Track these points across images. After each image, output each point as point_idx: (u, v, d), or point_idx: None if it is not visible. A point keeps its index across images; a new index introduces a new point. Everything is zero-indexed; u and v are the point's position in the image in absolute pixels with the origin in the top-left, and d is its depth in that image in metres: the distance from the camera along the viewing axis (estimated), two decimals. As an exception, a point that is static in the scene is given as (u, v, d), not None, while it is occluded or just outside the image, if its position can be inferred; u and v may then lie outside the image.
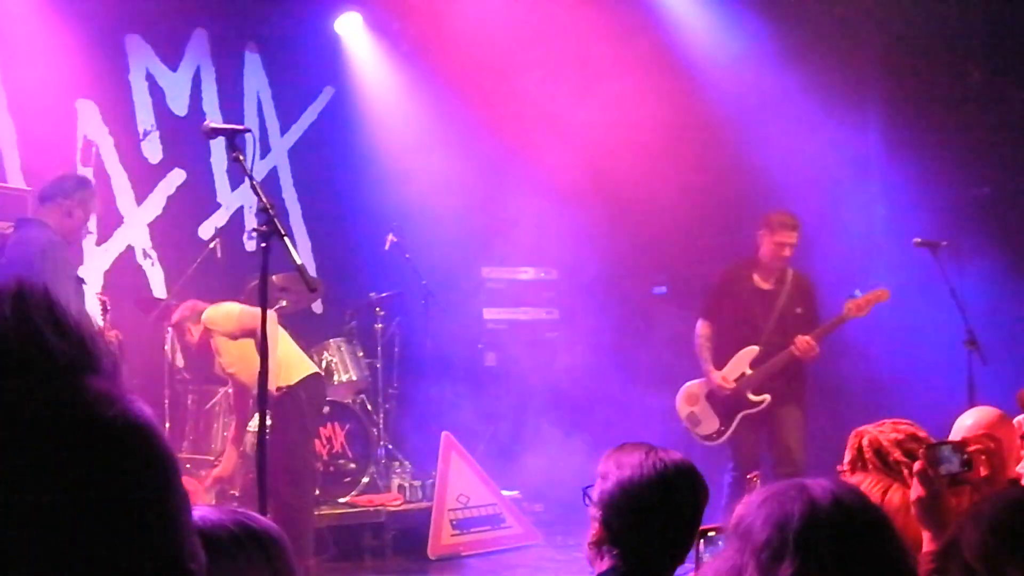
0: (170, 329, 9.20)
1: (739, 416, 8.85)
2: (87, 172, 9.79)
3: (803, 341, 8.66)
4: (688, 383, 9.17)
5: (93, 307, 7.87)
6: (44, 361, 0.98)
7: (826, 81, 10.79)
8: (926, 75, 10.91)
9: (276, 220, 4.79)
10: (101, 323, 7.81)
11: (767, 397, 8.80)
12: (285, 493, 7.27)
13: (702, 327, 9.09)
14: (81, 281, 6.95)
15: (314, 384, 8.01)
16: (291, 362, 7.82)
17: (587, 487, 3.22)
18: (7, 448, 0.94)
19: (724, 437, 8.91)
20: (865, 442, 3.68)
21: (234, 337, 7.58)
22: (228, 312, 7.76)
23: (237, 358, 7.64)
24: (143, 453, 1.02)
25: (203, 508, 2.01)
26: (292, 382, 7.69)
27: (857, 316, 8.71)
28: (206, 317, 7.71)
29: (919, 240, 8.74)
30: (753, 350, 8.91)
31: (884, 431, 3.68)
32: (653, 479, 3.07)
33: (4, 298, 1.00)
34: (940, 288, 8.51)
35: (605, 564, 3.11)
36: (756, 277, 9.08)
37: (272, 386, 7.32)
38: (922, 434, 3.62)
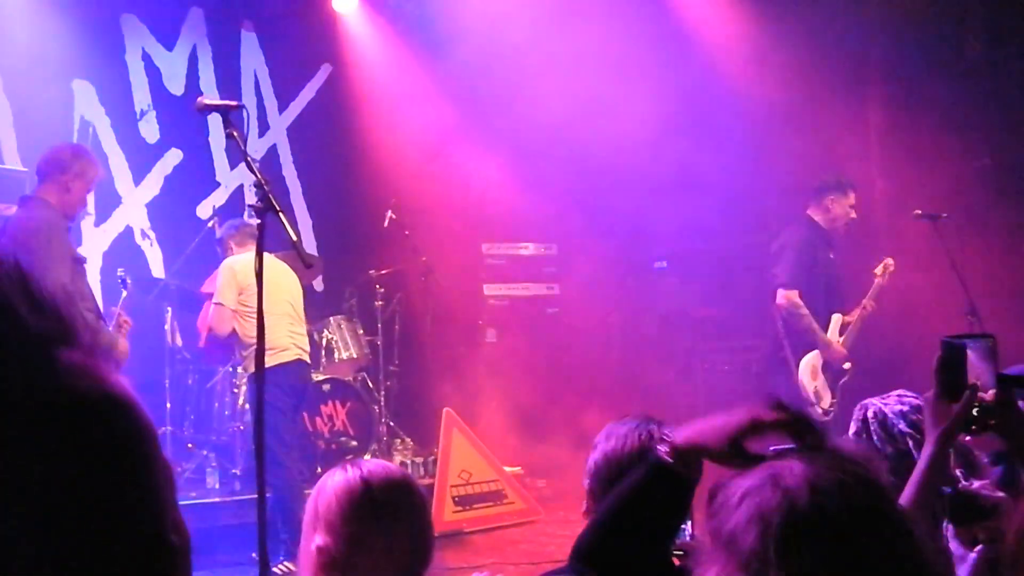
0: (169, 309, 9.20)
1: (839, 386, 8.68)
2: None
3: (871, 304, 8.69)
4: (806, 356, 8.60)
5: (94, 286, 7.87)
6: (16, 334, 0.97)
7: (825, 54, 10.76)
8: (925, 46, 10.86)
9: (271, 196, 4.77)
10: (118, 306, 7.86)
11: (851, 364, 8.65)
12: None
13: (793, 296, 8.54)
14: (81, 260, 6.89)
15: (289, 371, 7.98)
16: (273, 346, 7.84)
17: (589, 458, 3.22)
18: None
19: (834, 410, 8.60)
20: (870, 414, 3.67)
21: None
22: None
23: None
24: (119, 425, 1.00)
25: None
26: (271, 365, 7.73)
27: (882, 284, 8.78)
28: None
29: (919, 212, 8.71)
30: (839, 317, 8.74)
31: (889, 403, 3.66)
32: (635, 450, 3.04)
33: None
34: (941, 260, 8.49)
35: None
36: (827, 242, 8.86)
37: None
38: None
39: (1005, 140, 10.48)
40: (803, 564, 1.60)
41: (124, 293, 8.36)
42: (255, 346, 5.07)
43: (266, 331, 7.74)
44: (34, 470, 0.93)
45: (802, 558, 1.61)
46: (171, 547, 1.02)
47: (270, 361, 7.74)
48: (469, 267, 11.86)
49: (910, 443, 3.49)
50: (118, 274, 8.65)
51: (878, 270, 8.84)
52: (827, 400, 8.65)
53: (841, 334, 8.75)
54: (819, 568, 1.59)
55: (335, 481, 2.75)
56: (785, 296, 8.57)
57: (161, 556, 1.01)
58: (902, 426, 3.56)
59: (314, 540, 2.72)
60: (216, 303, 7.91)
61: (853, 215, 8.89)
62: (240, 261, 7.88)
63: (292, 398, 8.00)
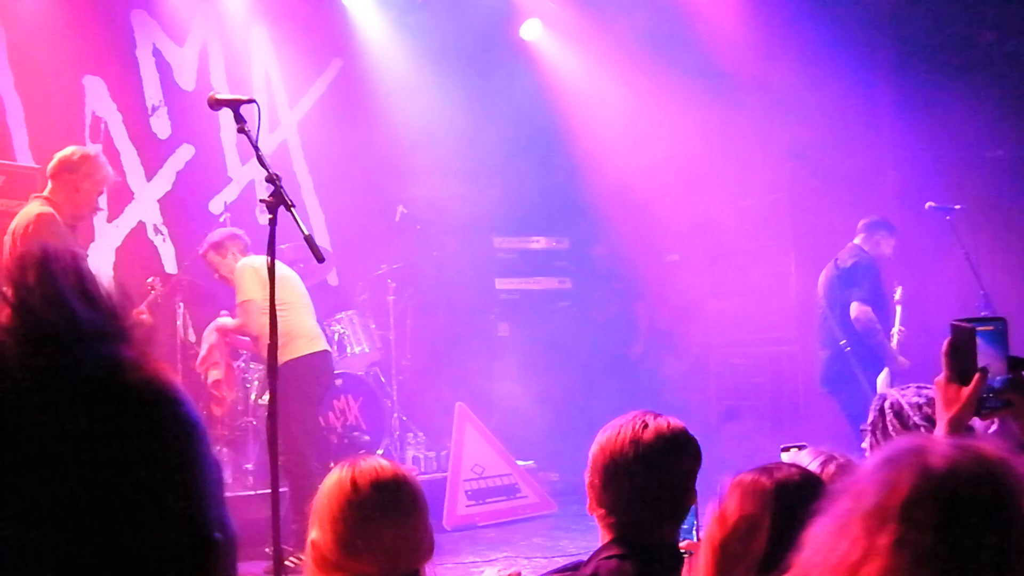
0: (181, 304, 9.21)
1: None
2: (96, 149, 9.78)
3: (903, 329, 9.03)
4: (882, 374, 8.88)
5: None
6: (70, 329, 0.98)
7: (835, 45, 10.72)
8: (937, 38, 10.83)
9: (282, 191, 4.77)
10: (143, 306, 7.96)
11: None
12: (285, 461, 7.40)
13: (870, 312, 8.94)
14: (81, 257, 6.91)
15: (319, 361, 8.05)
16: (294, 337, 7.88)
17: None
18: (32, 415, 0.93)
19: None
20: (887, 404, 3.68)
21: None
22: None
23: None
24: (168, 421, 1.02)
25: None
26: (292, 357, 7.75)
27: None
28: None
29: (932, 204, 8.72)
30: (895, 333, 9.06)
31: (906, 395, 3.67)
32: (627, 443, 3.06)
33: (28, 266, 0.99)
34: (954, 251, 8.47)
35: (606, 533, 3.11)
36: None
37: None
38: None
39: (1019, 131, 10.45)
40: (919, 532, 1.64)
41: (153, 293, 8.48)
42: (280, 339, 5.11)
43: (298, 320, 7.91)
44: (83, 463, 0.94)
45: (920, 526, 1.65)
46: (215, 543, 1.03)
47: (305, 349, 7.89)
48: (480, 261, 11.86)
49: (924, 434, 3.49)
50: (148, 282, 8.68)
51: (896, 295, 9.10)
52: None
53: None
54: (933, 541, 1.62)
55: (331, 479, 2.84)
56: (863, 310, 8.94)
57: (205, 552, 1.02)
58: (917, 418, 3.57)
59: (311, 534, 2.82)
60: (244, 301, 7.94)
61: (890, 253, 9.29)
62: (258, 260, 7.93)
63: (320, 388, 8.13)
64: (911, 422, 3.57)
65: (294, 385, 7.33)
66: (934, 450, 1.74)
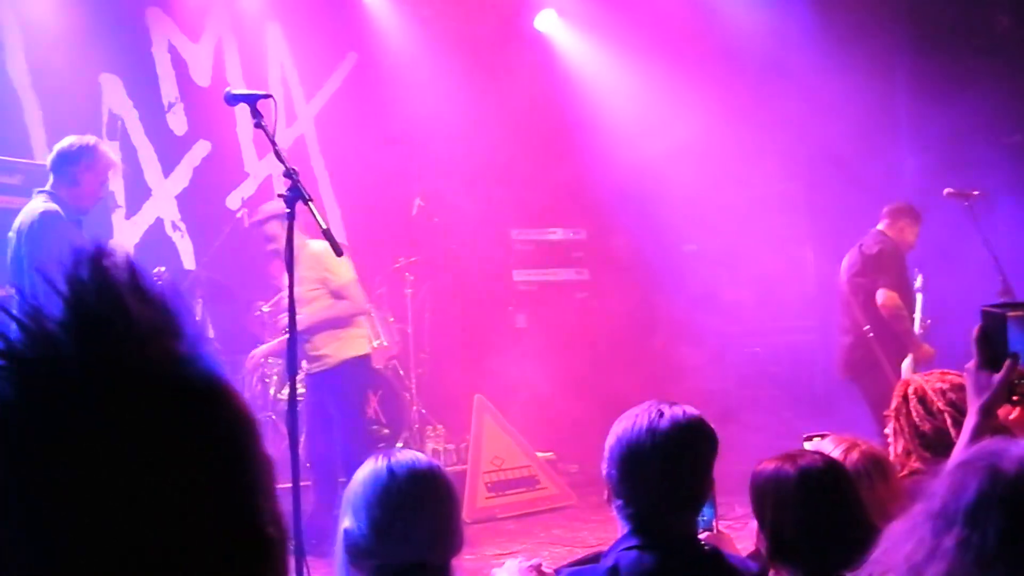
0: (200, 300, 9.23)
1: None
2: (113, 146, 9.81)
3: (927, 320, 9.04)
4: (906, 360, 8.81)
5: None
6: (125, 325, 0.99)
7: (854, 34, 10.69)
8: (954, 23, 10.78)
9: (300, 185, 4.78)
10: None
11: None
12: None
13: (896, 298, 8.86)
14: None
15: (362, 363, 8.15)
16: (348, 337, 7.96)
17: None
18: (88, 410, 0.94)
19: None
20: (911, 390, 3.68)
21: None
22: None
23: None
24: (221, 416, 1.02)
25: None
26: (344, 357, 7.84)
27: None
28: None
29: (950, 190, 8.68)
30: (918, 321, 9.02)
31: (930, 380, 3.68)
32: (643, 432, 3.03)
33: (83, 263, 1.00)
34: (973, 238, 8.44)
35: (625, 524, 3.10)
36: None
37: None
38: None
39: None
40: (983, 535, 1.62)
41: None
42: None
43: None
44: (138, 458, 0.94)
45: (984, 529, 1.63)
46: (268, 539, 1.03)
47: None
48: (498, 253, 11.85)
49: (948, 420, 3.50)
50: (155, 271, 8.68)
51: (917, 283, 9.07)
52: None
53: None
54: (996, 544, 1.61)
55: (365, 469, 2.82)
56: (890, 296, 8.82)
57: (258, 547, 1.03)
58: (940, 403, 3.57)
59: (343, 523, 2.80)
60: (349, 281, 8.16)
61: (913, 244, 9.20)
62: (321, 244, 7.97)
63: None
64: (935, 408, 3.58)
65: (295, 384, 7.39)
66: (1007, 454, 1.71)
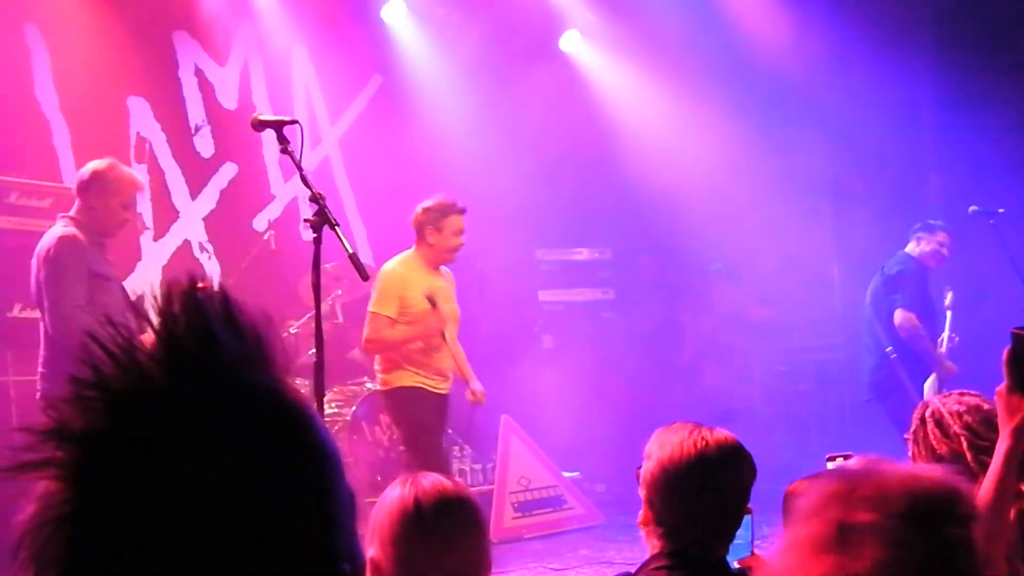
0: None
1: None
2: (141, 169, 9.87)
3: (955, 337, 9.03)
4: (928, 380, 8.92)
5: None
6: (215, 357, 1.01)
7: (880, 53, 10.68)
8: (979, 42, 10.77)
9: (326, 210, 4.81)
10: None
11: None
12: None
13: (914, 318, 8.93)
14: (105, 276, 6.87)
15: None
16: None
17: (639, 467, 3.21)
18: (178, 441, 0.96)
19: None
20: (928, 413, 3.67)
21: None
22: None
23: None
24: (308, 449, 1.04)
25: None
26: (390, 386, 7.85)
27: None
28: None
29: (975, 208, 8.67)
30: (944, 338, 9.06)
31: (947, 403, 3.66)
32: (693, 459, 3.02)
33: (175, 297, 1.03)
34: (999, 256, 8.42)
35: (656, 545, 3.09)
36: (926, 277, 9.23)
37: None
38: (987, 406, 3.57)
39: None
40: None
41: None
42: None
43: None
44: (227, 489, 0.96)
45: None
46: (340, 572, 1.05)
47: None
48: (523, 273, 11.86)
49: (964, 443, 3.48)
50: (198, 284, 8.74)
51: (947, 300, 9.09)
52: None
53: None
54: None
55: (391, 497, 2.78)
56: (907, 317, 8.90)
57: None
58: (957, 427, 3.55)
59: (369, 551, 2.76)
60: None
61: (943, 252, 9.17)
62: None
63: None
64: (951, 431, 3.56)
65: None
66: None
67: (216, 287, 1.05)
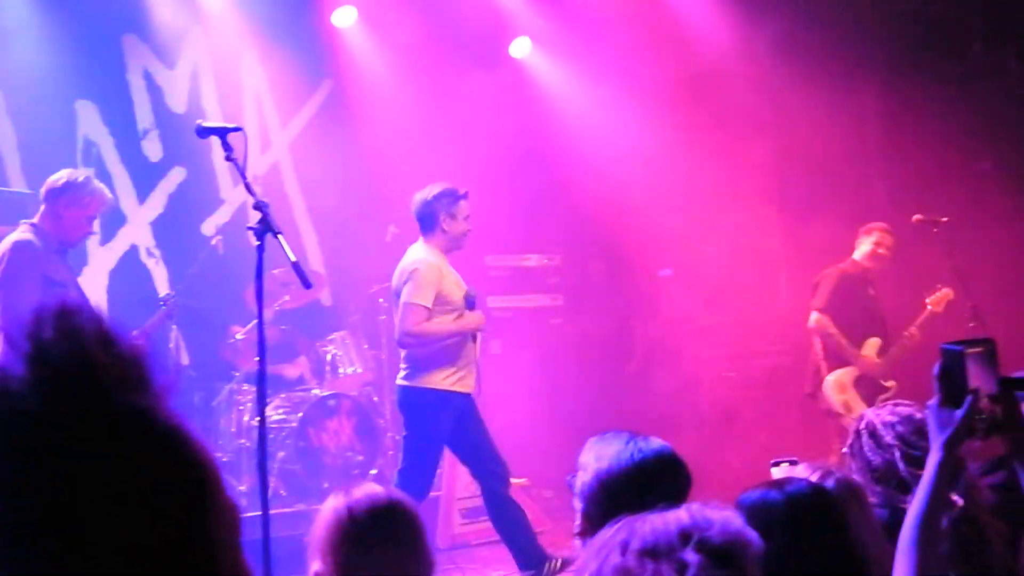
0: (174, 327, 9.20)
1: (879, 400, 8.88)
2: (88, 172, 9.80)
3: (916, 332, 9.04)
4: (834, 373, 9.09)
5: (101, 305, 7.90)
6: (89, 379, 1.00)
7: (824, 57, 10.76)
8: (925, 49, 10.87)
9: (268, 218, 4.80)
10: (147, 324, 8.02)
11: (894, 383, 9.01)
12: None
13: (823, 320, 9.09)
14: (60, 283, 6.85)
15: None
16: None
17: (571, 476, 3.20)
18: (51, 464, 0.96)
19: None
20: (863, 424, 3.71)
21: None
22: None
23: None
24: (176, 469, 1.03)
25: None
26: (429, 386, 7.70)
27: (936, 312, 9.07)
28: None
29: (919, 217, 8.76)
30: (877, 341, 9.15)
31: (881, 414, 3.70)
32: (630, 470, 3.04)
33: (47, 319, 1.02)
34: (942, 265, 8.51)
35: None
36: (865, 280, 9.33)
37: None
38: (919, 415, 3.61)
39: (1006, 143, 10.48)
40: None
41: (163, 308, 8.45)
42: None
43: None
44: (102, 510, 0.96)
45: None
46: None
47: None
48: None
49: (896, 454, 3.52)
50: (164, 296, 8.80)
51: (931, 299, 9.04)
52: (859, 411, 8.87)
53: (879, 356, 9.14)
54: None
55: (326, 509, 2.81)
56: (816, 320, 9.12)
57: None
58: (889, 437, 3.59)
59: (313, 565, 2.78)
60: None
61: (881, 251, 9.24)
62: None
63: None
64: (884, 441, 3.59)
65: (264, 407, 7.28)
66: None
67: (95, 311, 1.05)
